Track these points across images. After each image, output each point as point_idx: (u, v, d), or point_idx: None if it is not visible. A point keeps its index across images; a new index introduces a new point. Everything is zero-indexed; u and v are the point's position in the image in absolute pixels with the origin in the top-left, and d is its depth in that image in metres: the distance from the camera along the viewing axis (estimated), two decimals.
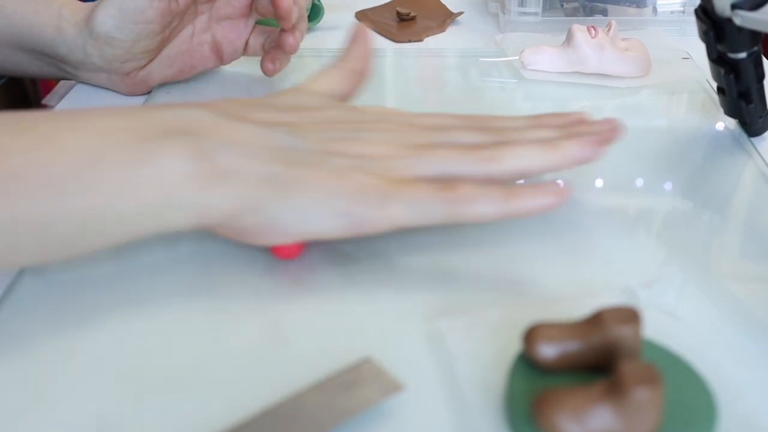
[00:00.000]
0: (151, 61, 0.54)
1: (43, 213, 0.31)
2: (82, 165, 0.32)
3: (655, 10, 0.71)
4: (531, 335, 0.29)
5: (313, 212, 0.34)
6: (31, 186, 0.31)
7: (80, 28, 0.51)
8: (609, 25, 0.60)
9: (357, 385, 0.29)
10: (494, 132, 0.40)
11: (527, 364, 0.30)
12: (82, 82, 0.57)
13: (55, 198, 0.31)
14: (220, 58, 0.57)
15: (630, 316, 0.29)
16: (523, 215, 0.36)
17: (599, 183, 0.46)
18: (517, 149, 0.38)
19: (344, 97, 0.44)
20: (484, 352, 0.32)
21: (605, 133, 0.40)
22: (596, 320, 0.29)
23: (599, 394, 0.26)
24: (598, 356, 0.29)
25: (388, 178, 0.35)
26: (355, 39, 0.45)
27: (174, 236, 0.39)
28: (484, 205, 0.35)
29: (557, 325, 0.30)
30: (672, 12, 0.71)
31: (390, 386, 0.29)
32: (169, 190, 0.33)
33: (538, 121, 0.42)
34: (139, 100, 0.56)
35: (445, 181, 0.36)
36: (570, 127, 0.41)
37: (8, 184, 0.30)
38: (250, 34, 0.57)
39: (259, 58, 0.56)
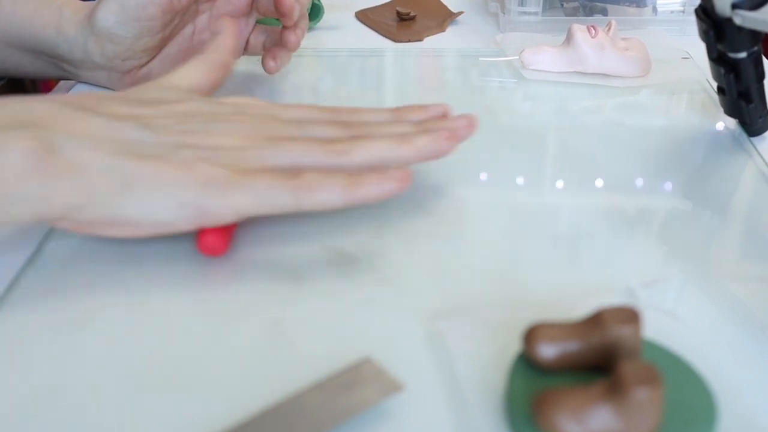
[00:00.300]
0: (151, 59, 0.54)
1: None
2: None
3: (655, 9, 0.71)
4: (531, 335, 0.29)
5: (157, 203, 0.35)
6: None
7: (81, 26, 0.52)
8: (609, 25, 0.60)
9: (357, 385, 0.29)
10: (352, 126, 0.41)
11: (527, 364, 0.30)
12: (82, 82, 0.56)
13: None
14: None
15: (630, 316, 0.29)
16: (368, 202, 0.37)
17: (599, 183, 0.46)
18: (369, 144, 0.39)
19: (208, 90, 0.44)
20: (484, 352, 0.32)
21: (460, 129, 0.42)
22: (596, 320, 0.29)
23: (599, 394, 0.26)
24: (598, 356, 0.29)
25: (234, 168, 0.36)
26: (222, 31, 0.46)
27: (174, 235, 0.39)
28: (327, 193, 0.36)
29: (557, 325, 0.30)
30: (672, 12, 0.71)
31: (390, 386, 0.29)
32: (8, 184, 0.32)
33: (398, 114, 0.43)
34: None
35: (290, 171, 0.37)
36: (429, 121, 0.43)
37: None
38: (251, 32, 0.57)
39: (260, 57, 0.56)
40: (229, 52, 0.46)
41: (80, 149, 0.34)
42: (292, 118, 0.41)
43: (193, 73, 0.43)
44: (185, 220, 0.35)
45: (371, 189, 0.37)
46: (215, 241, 0.37)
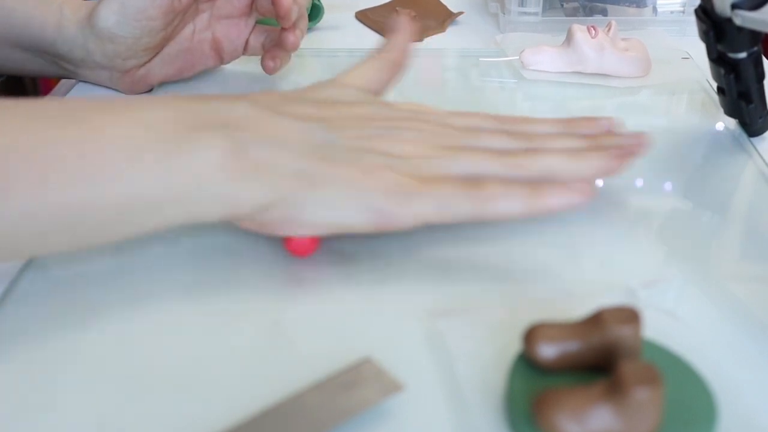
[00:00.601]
0: (152, 59, 0.54)
1: (78, 201, 0.32)
2: (123, 155, 0.33)
3: (655, 10, 0.71)
4: (531, 335, 0.29)
5: (343, 205, 0.35)
6: (70, 175, 0.32)
7: (82, 25, 0.51)
8: (609, 25, 0.60)
9: (357, 385, 0.29)
10: (525, 138, 0.41)
11: (527, 364, 0.30)
12: (83, 81, 0.57)
13: (92, 186, 0.32)
14: (220, 57, 0.57)
15: (630, 316, 0.29)
16: (549, 213, 0.37)
17: (599, 183, 0.46)
18: (545, 157, 0.39)
19: (380, 90, 0.44)
20: (484, 352, 0.32)
21: (632, 147, 0.41)
22: (596, 320, 0.29)
23: (599, 394, 0.26)
24: (598, 356, 0.29)
25: (417, 176, 0.36)
26: (396, 30, 0.46)
27: (174, 235, 0.39)
28: (509, 203, 0.36)
29: (557, 325, 0.30)
30: (672, 12, 0.71)
31: (390, 386, 0.29)
32: (201, 180, 0.33)
33: (568, 127, 0.43)
34: None
35: (472, 180, 0.37)
36: (600, 137, 0.42)
37: (48, 174, 0.31)
38: (251, 33, 0.57)
39: (259, 57, 0.56)
40: (404, 51, 0.45)
41: (270, 151, 0.35)
42: (466, 126, 0.41)
43: (369, 73, 0.44)
44: (366, 223, 0.36)
45: (554, 200, 0.37)
46: (310, 243, 0.37)
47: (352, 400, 0.29)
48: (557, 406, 0.26)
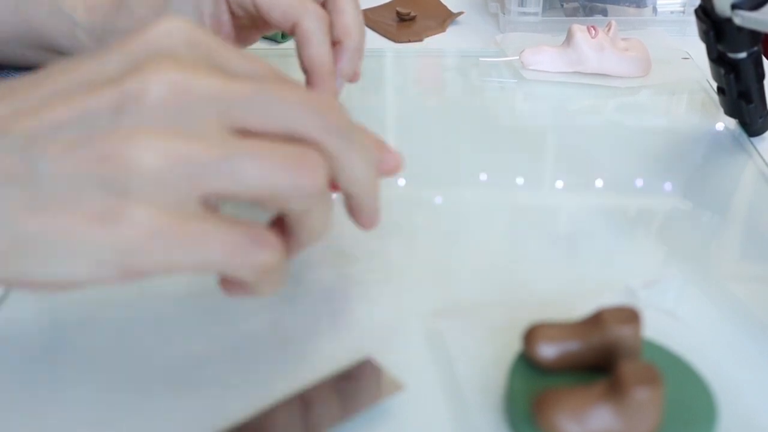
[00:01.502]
0: None
1: None
2: None
3: (655, 10, 0.71)
4: (531, 335, 0.29)
5: (68, 265, 0.25)
6: None
7: (98, 38, 0.50)
8: (609, 25, 0.60)
9: (357, 385, 0.29)
10: None
11: (527, 364, 0.30)
12: None
13: None
14: None
15: (630, 316, 0.29)
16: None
17: (599, 183, 0.46)
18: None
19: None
20: (484, 352, 0.32)
21: None
22: (596, 320, 0.29)
23: (599, 394, 0.26)
24: (598, 356, 0.29)
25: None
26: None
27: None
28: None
29: (557, 325, 0.30)
30: (672, 12, 0.71)
31: (390, 386, 0.29)
32: None
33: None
34: None
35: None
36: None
37: None
38: None
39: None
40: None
41: None
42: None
43: None
44: (110, 279, 0.26)
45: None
46: None
47: (353, 400, 0.29)
48: (557, 406, 0.26)
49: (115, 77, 0.26)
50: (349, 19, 0.43)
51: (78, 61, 0.27)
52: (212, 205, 0.27)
